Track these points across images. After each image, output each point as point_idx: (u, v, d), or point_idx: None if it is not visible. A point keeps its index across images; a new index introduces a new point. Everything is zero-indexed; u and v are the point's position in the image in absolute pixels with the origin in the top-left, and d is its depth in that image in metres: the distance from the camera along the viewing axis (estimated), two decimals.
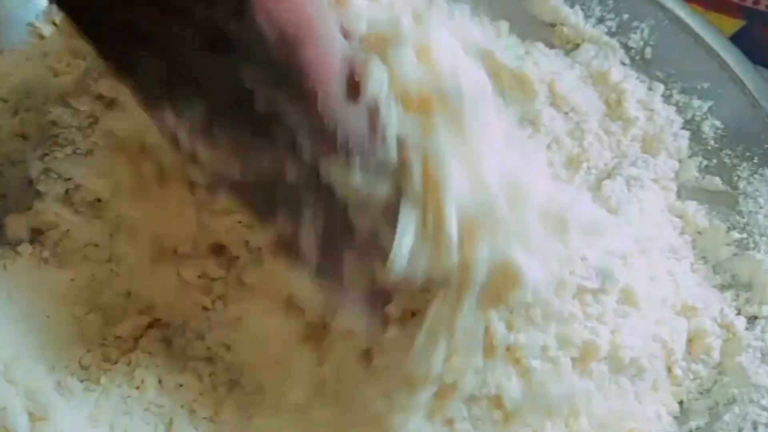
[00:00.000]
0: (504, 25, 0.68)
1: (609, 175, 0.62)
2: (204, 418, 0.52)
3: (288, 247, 0.46)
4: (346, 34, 0.44)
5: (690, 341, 0.55)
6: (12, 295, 0.53)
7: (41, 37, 0.63)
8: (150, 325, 0.54)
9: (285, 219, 0.45)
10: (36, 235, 0.56)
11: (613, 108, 0.65)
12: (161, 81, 0.42)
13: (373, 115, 0.43)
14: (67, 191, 0.56)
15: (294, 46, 0.40)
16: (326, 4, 0.43)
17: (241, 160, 0.43)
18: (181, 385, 0.53)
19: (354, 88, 0.42)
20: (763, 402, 0.51)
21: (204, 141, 0.43)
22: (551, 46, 0.68)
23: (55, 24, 0.63)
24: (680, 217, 0.61)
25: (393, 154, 0.43)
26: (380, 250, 0.44)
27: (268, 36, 0.39)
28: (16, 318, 0.52)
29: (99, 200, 0.56)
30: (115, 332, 0.54)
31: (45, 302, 0.53)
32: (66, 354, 0.52)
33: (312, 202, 0.44)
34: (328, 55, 0.42)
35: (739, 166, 0.62)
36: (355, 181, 0.43)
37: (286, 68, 0.40)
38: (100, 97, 0.57)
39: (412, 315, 0.48)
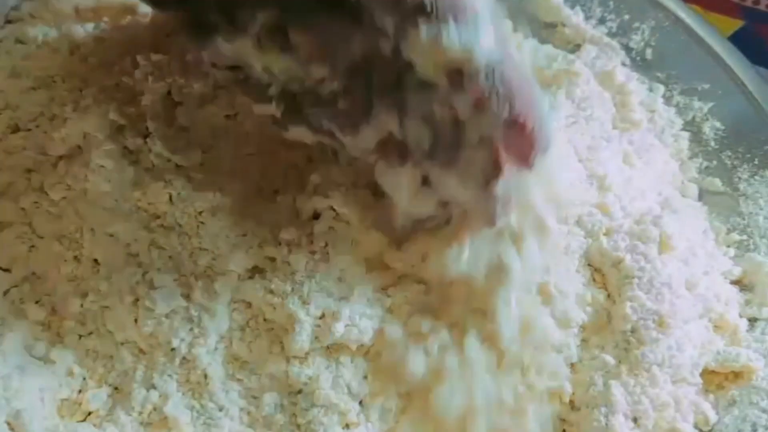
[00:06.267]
0: (509, 27, 0.68)
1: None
2: None
3: (389, 150, 0.46)
4: None
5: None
6: None
7: None
8: None
9: (384, 118, 0.45)
10: None
11: (618, 109, 0.65)
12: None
13: None
14: None
15: None
16: None
17: (325, 57, 0.44)
18: None
19: None
20: (763, 404, 0.51)
21: (275, 52, 0.44)
22: (552, 46, 0.68)
23: None
24: None
25: None
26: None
27: None
28: None
29: None
30: None
31: None
32: None
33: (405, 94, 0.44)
34: None
35: (740, 167, 0.63)
36: (448, 42, 0.41)
37: None
38: None
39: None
